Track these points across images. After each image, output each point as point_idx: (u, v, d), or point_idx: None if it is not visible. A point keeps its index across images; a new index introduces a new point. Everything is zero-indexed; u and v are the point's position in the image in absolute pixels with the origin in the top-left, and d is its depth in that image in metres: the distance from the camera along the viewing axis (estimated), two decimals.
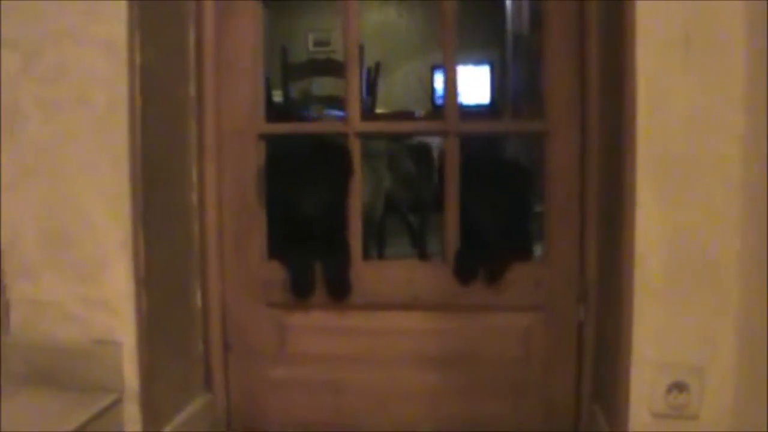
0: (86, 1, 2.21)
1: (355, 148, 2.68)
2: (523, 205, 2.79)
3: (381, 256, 4.68)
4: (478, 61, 8.73)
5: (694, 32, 2.05)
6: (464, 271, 2.62)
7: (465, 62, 8.37)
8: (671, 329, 2.11)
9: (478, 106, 8.62)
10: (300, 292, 2.69)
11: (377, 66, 5.43)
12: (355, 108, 2.71)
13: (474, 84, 8.80)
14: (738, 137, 2.04)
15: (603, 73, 2.48)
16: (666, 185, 2.09)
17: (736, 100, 2.04)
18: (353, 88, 2.73)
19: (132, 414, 2.28)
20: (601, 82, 2.50)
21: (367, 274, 2.71)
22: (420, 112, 7.05)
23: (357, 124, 2.70)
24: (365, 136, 2.81)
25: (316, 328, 2.73)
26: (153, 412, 2.33)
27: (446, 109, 2.72)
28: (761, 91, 1.92)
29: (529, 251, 2.81)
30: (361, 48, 4.75)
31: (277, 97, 5.11)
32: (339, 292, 2.67)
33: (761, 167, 1.92)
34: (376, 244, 4.84)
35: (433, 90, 8.59)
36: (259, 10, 2.70)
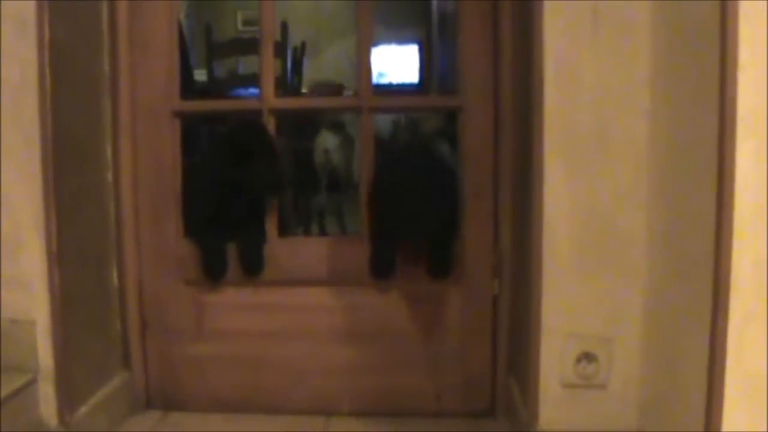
0: None
1: (270, 125, 2.69)
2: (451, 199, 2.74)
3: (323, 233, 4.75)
4: (406, 41, 8.74)
5: (602, 10, 2.08)
6: (381, 269, 2.65)
7: (394, 41, 8.40)
8: (580, 301, 2.15)
9: (407, 85, 8.64)
10: (211, 274, 2.70)
11: (303, 45, 5.42)
12: (269, 85, 2.70)
13: (403, 63, 8.81)
14: (645, 114, 2.07)
15: (515, 50, 2.50)
16: (574, 161, 2.11)
17: (643, 78, 2.07)
18: (268, 65, 2.72)
19: (47, 394, 2.28)
20: (513, 59, 2.52)
21: (283, 251, 2.71)
22: (350, 92, 7.04)
23: (271, 100, 2.70)
24: (281, 114, 2.81)
25: (234, 305, 2.73)
26: (68, 392, 2.32)
27: (360, 85, 2.74)
28: (667, 68, 1.96)
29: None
30: (285, 25, 4.78)
31: (202, 76, 5.07)
32: (252, 269, 2.68)
33: (666, 144, 1.96)
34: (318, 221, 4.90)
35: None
36: None
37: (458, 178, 2.59)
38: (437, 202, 2.48)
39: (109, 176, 2.63)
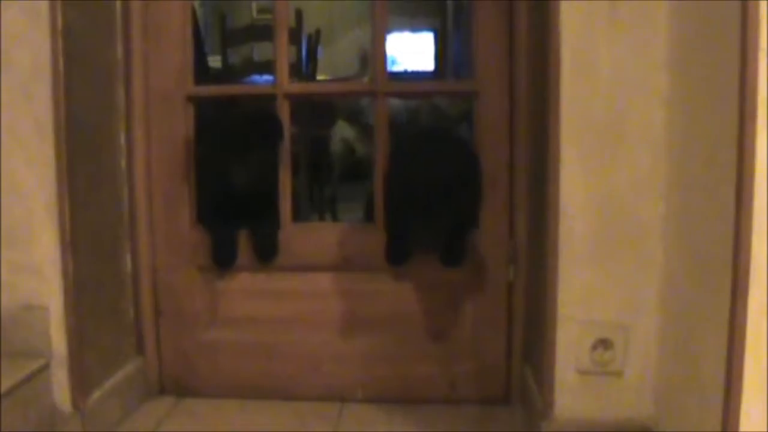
0: None
1: (285, 110, 2.68)
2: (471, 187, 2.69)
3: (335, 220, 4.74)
4: (422, 29, 8.73)
5: None
6: (396, 256, 2.64)
7: (409, 29, 8.38)
8: (596, 288, 2.14)
9: (423, 73, 8.64)
10: (221, 263, 2.71)
11: (317, 32, 5.40)
12: (284, 70, 2.69)
13: (418, 51, 8.80)
14: (662, 101, 2.05)
15: (531, 34, 2.48)
16: (590, 148, 2.10)
17: (660, 63, 2.05)
18: (282, 50, 2.70)
19: (60, 379, 2.28)
20: (529, 43, 2.51)
21: (298, 237, 2.71)
22: (365, 79, 7.04)
23: (286, 85, 2.69)
24: (296, 100, 2.80)
25: (247, 291, 2.73)
26: (82, 377, 2.33)
27: (374, 70, 2.73)
28: (685, 53, 1.94)
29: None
30: (300, 13, 4.77)
31: (216, 63, 5.06)
32: (266, 255, 2.68)
33: (684, 131, 1.94)
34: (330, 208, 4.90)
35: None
36: None
37: (480, 165, 2.53)
38: (457, 191, 2.42)
39: (123, 162, 2.63)
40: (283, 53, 2.71)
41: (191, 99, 2.70)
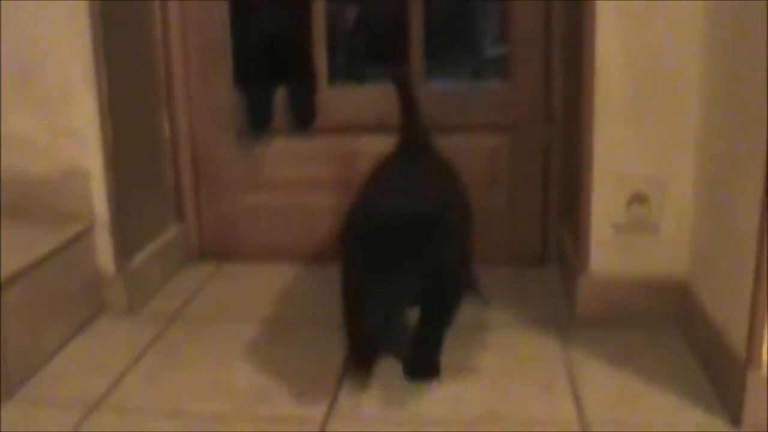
0: None
1: None
2: None
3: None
4: None
5: None
6: None
7: None
8: (633, 144, 2.13)
9: None
10: (256, 125, 2.72)
11: None
12: None
13: None
14: None
15: None
16: (627, 3, 2.06)
17: None
18: None
19: (103, 242, 2.33)
20: None
21: (334, 99, 2.70)
22: None
23: None
24: None
25: (286, 154, 2.75)
26: (124, 241, 2.38)
27: None
28: None
29: None
30: None
31: None
32: (304, 119, 2.68)
33: None
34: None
35: None
36: None
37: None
38: None
39: (158, 26, 2.62)
40: None
41: None
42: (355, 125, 2.69)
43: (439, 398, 1.86)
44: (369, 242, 1.71)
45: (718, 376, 1.84)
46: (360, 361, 2.00)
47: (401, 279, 1.71)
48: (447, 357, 1.95)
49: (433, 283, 1.80)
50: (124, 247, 2.38)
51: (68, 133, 2.28)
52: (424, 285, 1.77)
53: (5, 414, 1.85)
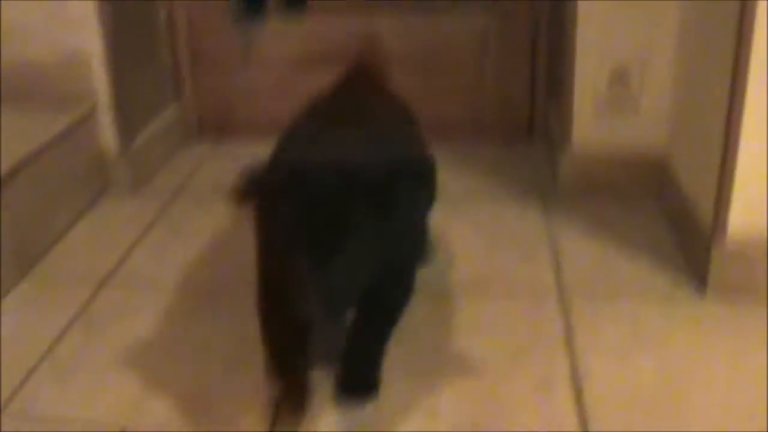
0: None
1: None
2: None
3: None
4: None
5: None
6: None
7: None
8: (616, 23, 2.17)
9: None
10: (249, 14, 2.75)
11: None
12: None
13: None
14: None
15: None
16: None
17: None
18: None
19: (105, 123, 2.39)
20: None
21: None
22: None
23: None
24: None
25: (280, 33, 2.78)
26: (125, 121, 2.44)
27: None
28: None
29: None
30: None
31: None
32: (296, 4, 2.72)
33: None
34: None
35: None
36: None
37: None
38: None
39: None
40: None
41: None
42: (346, 5, 2.71)
43: (428, 269, 1.91)
44: (303, 209, 1.19)
45: (687, 244, 1.95)
46: (290, 392, 1.41)
47: (349, 264, 1.20)
48: (434, 230, 1.98)
49: (386, 270, 1.30)
50: (125, 128, 2.44)
51: (67, 17, 2.30)
52: (374, 273, 1.28)
53: (20, 293, 1.93)
